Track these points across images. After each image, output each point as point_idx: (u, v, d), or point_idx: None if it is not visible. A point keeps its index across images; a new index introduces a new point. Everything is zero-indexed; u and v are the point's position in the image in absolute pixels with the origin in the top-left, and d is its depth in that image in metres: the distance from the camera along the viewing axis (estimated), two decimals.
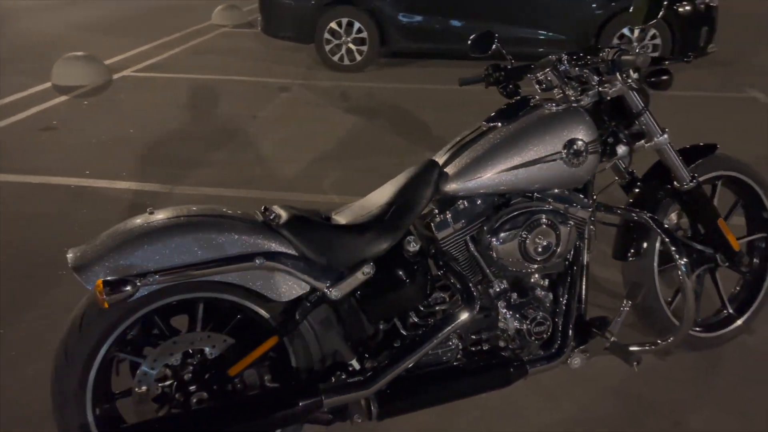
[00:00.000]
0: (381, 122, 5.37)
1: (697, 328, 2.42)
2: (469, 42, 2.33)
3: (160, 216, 1.69)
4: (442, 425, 2.15)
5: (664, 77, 1.97)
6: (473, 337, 2.00)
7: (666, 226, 2.12)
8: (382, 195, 1.95)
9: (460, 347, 1.96)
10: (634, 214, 2.11)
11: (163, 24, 9.81)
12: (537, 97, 2.08)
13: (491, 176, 1.90)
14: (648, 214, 2.08)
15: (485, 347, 2.02)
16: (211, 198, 3.89)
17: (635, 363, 2.00)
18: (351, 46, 6.92)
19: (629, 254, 2.25)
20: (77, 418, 1.65)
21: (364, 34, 6.86)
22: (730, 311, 2.46)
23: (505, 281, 1.99)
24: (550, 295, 2.04)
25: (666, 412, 2.21)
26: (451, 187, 1.92)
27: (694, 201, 2.22)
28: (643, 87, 2.03)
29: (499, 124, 1.99)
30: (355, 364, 1.80)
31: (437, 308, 1.94)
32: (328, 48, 6.95)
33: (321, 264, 1.74)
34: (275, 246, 1.71)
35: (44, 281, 2.99)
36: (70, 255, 1.62)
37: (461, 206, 1.94)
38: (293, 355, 1.82)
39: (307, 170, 4.34)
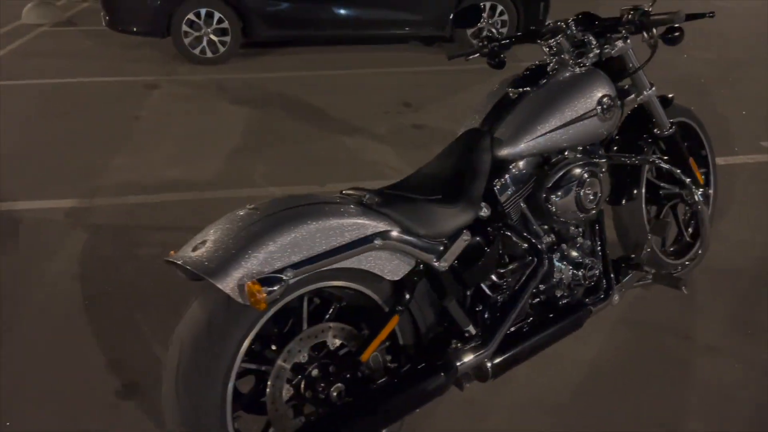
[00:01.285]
0: (274, 111, 5.26)
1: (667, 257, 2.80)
2: (452, 16, 2.46)
3: (268, 211, 1.61)
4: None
5: (677, 33, 2.24)
6: (535, 291, 2.15)
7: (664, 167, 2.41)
8: (442, 167, 2.01)
9: (536, 301, 2.11)
10: (634, 160, 2.38)
11: None
12: (550, 63, 2.25)
13: (539, 139, 2.05)
14: (654, 157, 2.37)
15: (543, 298, 2.18)
16: (139, 206, 3.59)
17: (683, 287, 2.29)
18: (212, 37, 6.62)
19: (624, 199, 2.53)
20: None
21: (226, 25, 6.61)
22: (688, 239, 2.88)
23: (552, 235, 2.17)
24: (588, 242, 2.25)
25: (675, 330, 2.55)
26: (504, 152, 2.04)
27: (673, 144, 2.56)
28: (657, 43, 2.27)
29: (529, 89, 2.14)
30: (472, 330, 1.86)
31: (510, 268, 2.06)
32: (187, 41, 6.58)
33: (426, 238, 1.77)
34: (382, 225, 1.70)
35: None
36: (186, 260, 1.49)
37: (514, 170, 2.07)
38: (400, 333, 1.83)
39: (228, 166, 4.16)
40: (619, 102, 2.23)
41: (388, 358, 1.82)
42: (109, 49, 7.26)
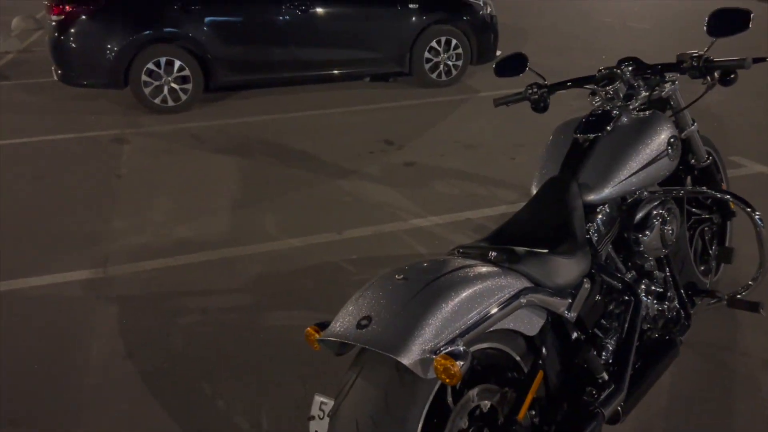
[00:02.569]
0: (259, 157, 5.21)
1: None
2: (495, 65, 2.57)
3: (423, 279, 1.62)
4: None
5: (733, 76, 2.40)
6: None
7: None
8: (538, 217, 2.08)
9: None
10: (701, 191, 2.53)
11: None
12: (615, 108, 2.37)
13: (623, 182, 2.16)
14: (703, 188, 2.53)
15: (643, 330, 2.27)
16: (162, 270, 3.46)
17: (761, 309, 2.44)
18: (173, 85, 6.48)
19: None
20: None
21: (186, 72, 6.49)
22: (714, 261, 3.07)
23: (633, 270, 2.28)
24: (662, 274, 2.37)
25: (731, 348, 2.71)
26: (591, 197, 2.13)
27: (708, 174, 2.74)
28: (714, 85, 2.42)
29: (599, 134, 2.25)
30: (605, 376, 1.92)
31: (611, 310, 2.14)
32: (147, 91, 6.42)
33: (555, 290, 1.83)
34: (520, 283, 1.74)
35: None
36: (361, 339, 1.48)
37: (601, 214, 2.17)
38: (543, 389, 1.86)
39: (236, 219, 4.07)
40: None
41: (533, 413, 1.85)
42: (60, 103, 6.96)
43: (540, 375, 1.78)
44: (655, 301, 2.26)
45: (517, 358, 1.80)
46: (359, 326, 1.53)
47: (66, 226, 4.04)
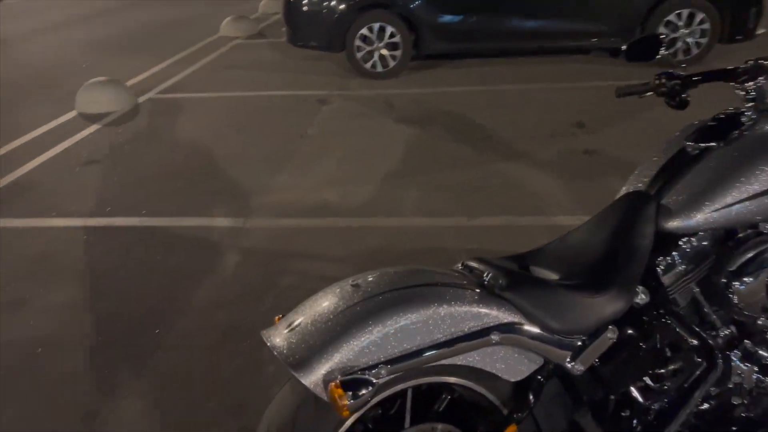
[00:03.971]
0: (436, 130, 5.10)
1: None
2: (625, 48, 2.07)
3: (370, 290, 1.41)
4: None
5: None
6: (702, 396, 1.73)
7: None
8: (592, 239, 1.68)
9: (694, 410, 1.70)
10: None
11: (171, 40, 9.49)
12: (746, 111, 1.80)
13: (725, 210, 1.63)
14: None
15: (715, 405, 1.75)
16: (290, 230, 3.61)
17: None
18: (384, 52, 6.64)
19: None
20: None
21: (397, 39, 6.58)
22: None
23: (733, 327, 1.73)
24: None
25: None
26: (674, 224, 1.65)
27: None
28: None
29: (714, 144, 1.72)
30: None
31: (671, 368, 1.67)
32: (359, 55, 6.67)
33: (556, 332, 1.47)
34: (504, 315, 1.43)
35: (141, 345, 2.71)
36: (275, 342, 1.35)
37: (686, 246, 1.67)
38: None
39: (379, 191, 4.06)
40: None
41: None
42: (291, 62, 7.61)
43: (512, 429, 1.46)
44: (755, 370, 1.70)
45: (496, 403, 1.50)
46: (288, 329, 1.41)
47: (235, 175, 4.43)
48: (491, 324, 1.41)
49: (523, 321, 1.44)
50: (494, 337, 1.39)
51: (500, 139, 4.80)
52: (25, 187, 4.43)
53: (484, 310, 1.41)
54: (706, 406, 1.75)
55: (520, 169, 4.22)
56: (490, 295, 1.46)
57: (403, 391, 1.48)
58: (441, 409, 1.53)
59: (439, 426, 1.50)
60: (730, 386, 1.73)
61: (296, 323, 1.40)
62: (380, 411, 1.49)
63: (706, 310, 1.71)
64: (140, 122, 5.78)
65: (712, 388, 1.74)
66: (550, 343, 1.45)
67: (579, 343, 1.49)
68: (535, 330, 1.44)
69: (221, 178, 4.41)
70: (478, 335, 1.39)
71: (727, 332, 1.72)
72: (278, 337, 1.38)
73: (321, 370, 1.29)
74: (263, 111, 5.88)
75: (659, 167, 1.78)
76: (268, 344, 1.38)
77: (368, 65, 6.70)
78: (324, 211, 3.82)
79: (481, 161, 4.40)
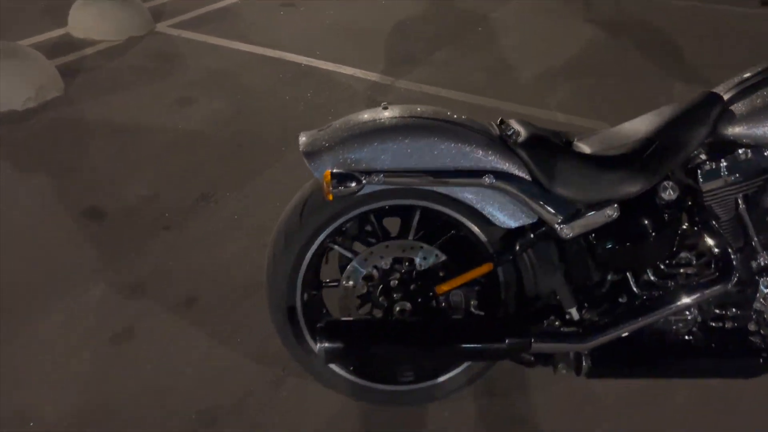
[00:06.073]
0: (624, 40, 4.77)
1: None
2: None
3: (394, 113, 1.57)
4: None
5: None
6: (717, 311, 1.69)
7: None
8: (642, 126, 1.65)
9: (699, 320, 1.68)
10: None
11: None
12: None
13: None
14: None
15: (729, 326, 1.70)
16: (428, 96, 3.77)
17: None
18: None
19: None
20: (287, 299, 1.67)
21: None
22: None
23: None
24: None
25: None
26: (735, 130, 1.56)
27: None
28: None
29: None
30: (574, 313, 1.61)
31: (680, 270, 1.65)
32: None
33: (556, 195, 1.53)
34: (509, 166, 1.51)
35: (267, 157, 3.14)
36: (302, 139, 1.57)
37: (741, 156, 1.58)
38: (504, 287, 1.67)
39: (534, 83, 4.01)
40: None
41: (475, 302, 1.68)
42: None
43: (487, 266, 1.60)
44: None
45: (483, 240, 1.62)
46: (319, 130, 1.62)
47: (400, 43, 4.63)
48: (488, 168, 1.50)
49: (524, 175, 1.51)
50: (487, 179, 1.48)
51: (693, 67, 4.38)
52: (232, 14, 5.06)
53: (486, 154, 1.50)
54: (721, 324, 1.72)
55: None
56: (503, 146, 1.54)
57: (407, 209, 1.65)
58: (432, 234, 1.69)
59: (423, 246, 1.65)
60: (750, 312, 1.67)
61: (327, 126, 1.61)
62: (374, 218, 1.68)
63: (749, 229, 1.63)
64: None
65: (733, 309, 1.70)
66: (541, 201, 1.51)
67: (572, 212, 1.53)
68: (531, 186, 1.51)
69: (390, 42, 4.63)
70: (474, 175, 1.50)
71: (764, 257, 1.63)
72: (307, 135, 1.60)
73: (328, 162, 1.50)
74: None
75: (745, 78, 1.66)
76: (300, 140, 1.60)
77: None
78: (466, 88, 3.91)
79: (653, 77, 4.11)
